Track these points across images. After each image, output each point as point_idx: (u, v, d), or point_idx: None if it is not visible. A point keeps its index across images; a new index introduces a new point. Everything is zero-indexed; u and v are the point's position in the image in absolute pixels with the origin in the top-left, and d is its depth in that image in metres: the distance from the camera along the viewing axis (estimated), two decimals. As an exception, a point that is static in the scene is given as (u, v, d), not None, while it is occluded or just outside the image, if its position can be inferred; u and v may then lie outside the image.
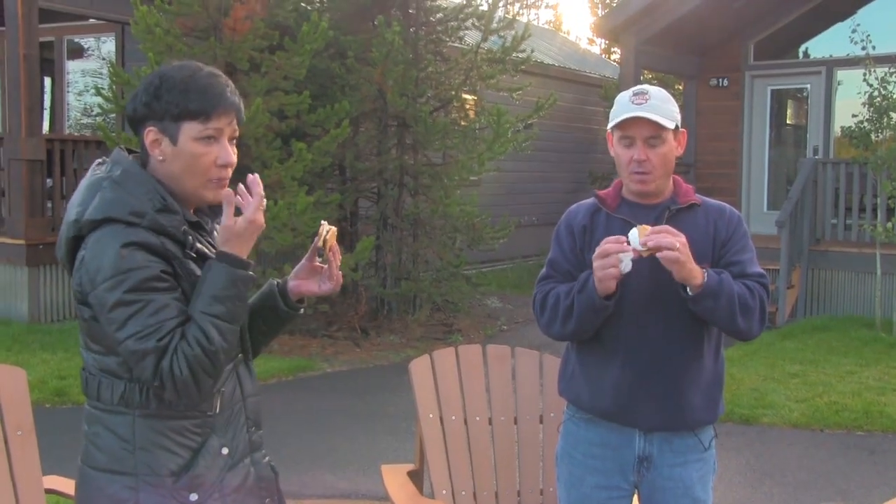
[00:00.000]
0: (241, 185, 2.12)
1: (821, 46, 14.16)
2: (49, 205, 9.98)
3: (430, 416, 3.70)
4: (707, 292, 2.59)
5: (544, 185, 17.04)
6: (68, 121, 13.04)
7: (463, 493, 3.65)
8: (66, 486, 3.43)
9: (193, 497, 2.10)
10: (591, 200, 2.93)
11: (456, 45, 11.21)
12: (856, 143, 10.96)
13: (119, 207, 2.04)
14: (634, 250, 2.55)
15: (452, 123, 10.57)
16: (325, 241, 2.30)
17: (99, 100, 9.78)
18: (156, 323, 1.99)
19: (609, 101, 18.07)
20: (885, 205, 10.64)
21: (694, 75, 14.51)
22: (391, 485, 3.56)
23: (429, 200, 10.42)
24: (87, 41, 13.07)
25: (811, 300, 11.22)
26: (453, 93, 10.62)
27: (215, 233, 2.24)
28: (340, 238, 2.41)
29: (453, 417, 3.73)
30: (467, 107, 11.33)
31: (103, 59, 12.57)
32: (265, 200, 2.12)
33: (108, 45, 12.54)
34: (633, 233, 2.57)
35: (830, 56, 13.65)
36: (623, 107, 2.73)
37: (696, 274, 2.58)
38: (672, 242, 2.51)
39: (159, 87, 2.10)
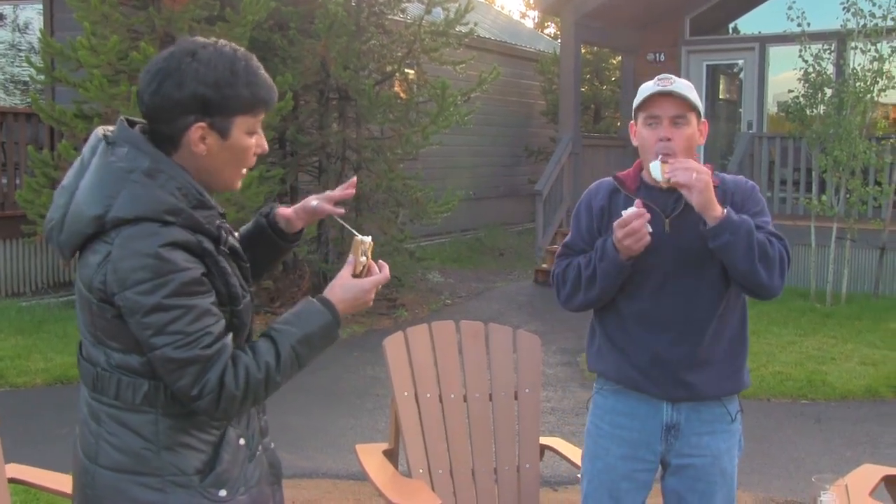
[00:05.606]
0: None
1: (753, 23, 14.40)
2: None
3: (406, 393, 3.65)
4: (726, 224, 2.63)
5: (481, 160, 17.00)
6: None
7: (440, 471, 3.61)
8: (31, 475, 3.31)
9: (223, 493, 2.00)
10: (609, 180, 2.96)
11: (398, 17, 11.07)
12: (791, 118, 11.15)
13: (152, 206, 1.87)
14: (656, 181, 2.72)
15: (395, 97, 10.46)
16: (366, 260, 2.17)
17: (30, 70, 9.44)
18: (199, 330, 1.86)
19: (545, 75, 18.11)
20: (818, 178, 10.86)
21: (632, 50, 14.60)
22: (370, 466, 3.49)
23: (371, 175, 10.31)
24: (11, 8, 12.58)
25: (747, 272, 11.38)
26: (396, 66, 10.50)
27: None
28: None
29: (428, 395, 3.69)
30: (410, 79, 11.21)
31: (25, 27, 12.13)
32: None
33: (34, 14, 12.08)
34: (655, 165, 2.71)
35: (759, 32, 13.90)
36: (649, 89, 2.77)
37: (717, 206, 2.64)
38: (690, 174, 2.60)
39: (216, 78, 1.92)
